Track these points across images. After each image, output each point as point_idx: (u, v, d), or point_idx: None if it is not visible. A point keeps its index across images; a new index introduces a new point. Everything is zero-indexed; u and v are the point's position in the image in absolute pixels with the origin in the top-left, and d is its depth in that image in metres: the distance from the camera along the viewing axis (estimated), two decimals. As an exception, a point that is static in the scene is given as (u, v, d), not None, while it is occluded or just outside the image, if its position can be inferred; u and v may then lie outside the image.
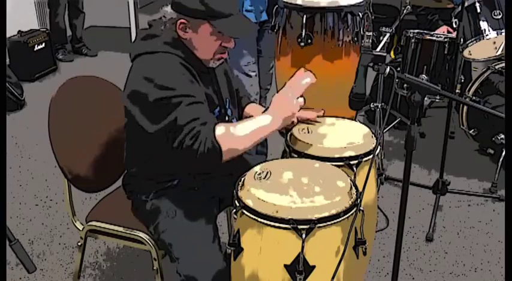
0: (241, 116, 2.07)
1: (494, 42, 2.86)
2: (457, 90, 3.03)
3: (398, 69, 3.13)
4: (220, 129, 1.64)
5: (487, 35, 2.81)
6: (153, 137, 1.69)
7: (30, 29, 4.85)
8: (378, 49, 2.91)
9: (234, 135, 1.66)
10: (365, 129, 1.95)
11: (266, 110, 1.75)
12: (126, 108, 1.79)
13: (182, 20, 1.71)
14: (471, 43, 2.84)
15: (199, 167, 1.79)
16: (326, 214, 1.49)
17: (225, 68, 1.97)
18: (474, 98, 3.14)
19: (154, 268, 1.91)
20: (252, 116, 1.93)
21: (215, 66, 1.84)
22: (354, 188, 1.61)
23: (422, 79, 2.77)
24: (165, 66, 1.71)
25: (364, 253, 1.67)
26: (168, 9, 1.75)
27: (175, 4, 1.73)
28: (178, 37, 1.76)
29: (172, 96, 1.64)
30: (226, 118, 1.91)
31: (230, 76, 1.99)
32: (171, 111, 1.63)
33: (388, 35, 3.00)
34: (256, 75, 3.04)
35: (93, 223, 1.98)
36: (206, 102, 1.76)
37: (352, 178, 1.73)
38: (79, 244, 2.03)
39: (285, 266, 1.52)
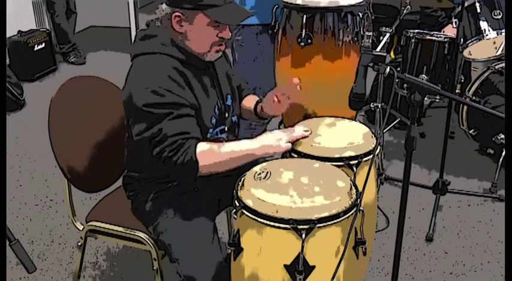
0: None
1: (494, 42, 2.86)
2: (457, 90, 3.03)
3: (398, 69, 3.13)
4: (202, 146, 1.69)
5: (487, 35, 2.81)
6: (138, 142, 1.71)
7: (30, 29, 4.85)
8: (378, 49, 2.90)
9: (215, 154, 1.70)
10: (365, 129, 1.95)
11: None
12: (124, 109, 1.80)
13: (177, 13, 1.74)
14: (471, 43, 2.84)
15: (175, 177, 1.84)
16: (326, 214, 1.49)
17: (225, 68, 1.98)
18: (474, 98, 3.14)
19: (154, 268, 1.91)
20: (247, 107, 2.05)
21: (214, 60, 1.85)
22: (354, 188, 1.61)
23: (422, 79, 2.77)
24: (159, 70, 1.72)
25: (364, 253, 1.67)
26: (164, 6, 1.78)
27: None
28: (175, 36, 1.77)
29: (162, 103, 1.67)
30: (227, 115, 1.92)
31: (230, 74, 2.00)
32: (159, 121, 1.66)
33: (388, 35, 3.00)
34: None
35: (93, 223, 1.98)
36: (202, 105, 1.78)
37: (352, 178, 1.73)
38: (79, 244, 2.03)
39: (285, 266, 1.52)
